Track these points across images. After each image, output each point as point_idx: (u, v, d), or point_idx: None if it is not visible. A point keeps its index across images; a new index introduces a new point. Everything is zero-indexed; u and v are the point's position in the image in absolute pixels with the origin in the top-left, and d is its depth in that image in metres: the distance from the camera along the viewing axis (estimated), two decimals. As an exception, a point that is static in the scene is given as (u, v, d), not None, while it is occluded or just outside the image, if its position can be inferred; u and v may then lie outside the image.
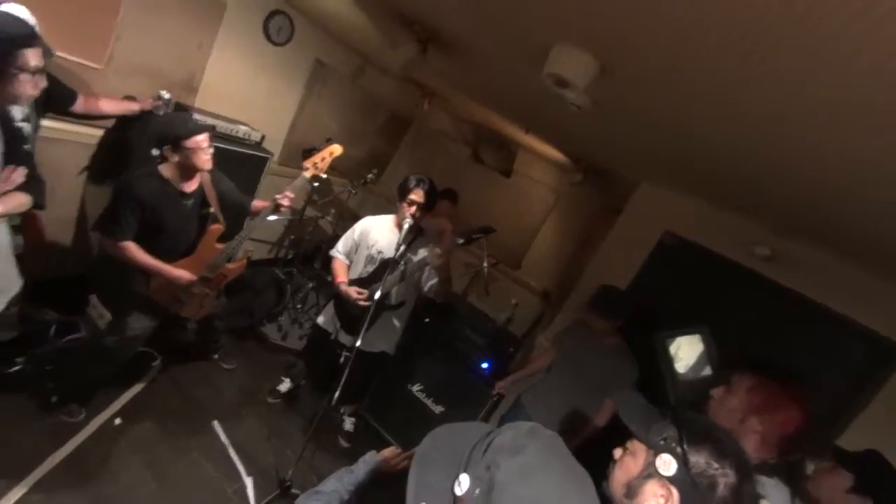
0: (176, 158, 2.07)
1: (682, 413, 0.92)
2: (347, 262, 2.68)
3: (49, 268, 2.49)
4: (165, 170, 2.11)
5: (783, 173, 1.54)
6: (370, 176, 4.03)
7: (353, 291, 2.48)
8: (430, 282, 2.51)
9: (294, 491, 2.35)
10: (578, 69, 1.43)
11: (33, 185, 1.65)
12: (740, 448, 0.88)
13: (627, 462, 0.92)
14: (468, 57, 2.18)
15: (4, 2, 1.59)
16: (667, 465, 0.85)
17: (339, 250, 2.68)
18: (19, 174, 1.58)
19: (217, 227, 2.32)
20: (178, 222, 2.20)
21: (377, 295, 2.27)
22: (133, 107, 2.50)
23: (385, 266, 2.45)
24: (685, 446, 0.85)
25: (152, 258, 2.13)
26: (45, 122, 2.11)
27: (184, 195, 2.18)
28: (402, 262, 2.43)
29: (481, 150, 4.57)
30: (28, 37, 1.38)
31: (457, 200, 3.90)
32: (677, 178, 2.50)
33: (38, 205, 1.70)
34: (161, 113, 2.58)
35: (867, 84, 0.85)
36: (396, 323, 2.68)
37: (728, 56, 0.99)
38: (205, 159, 2.12)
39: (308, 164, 2.33)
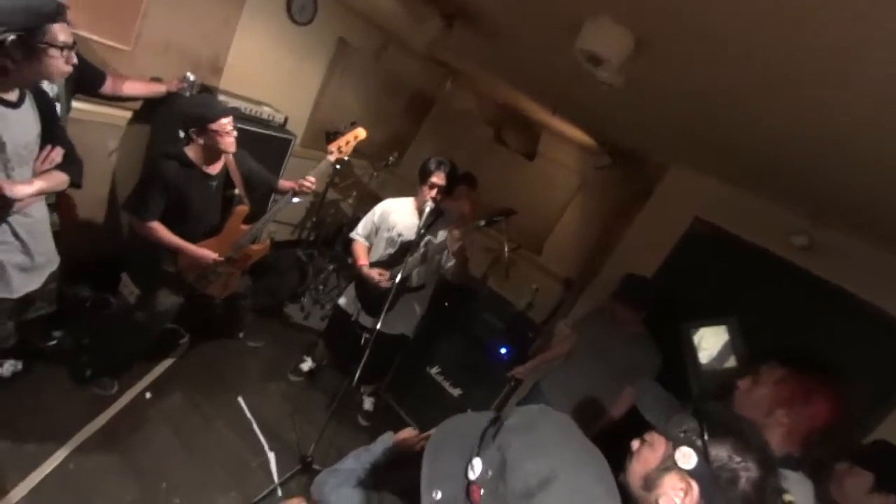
0: (201, 141, 2.10)
1: (703, 405, 0.89)
2: (367, 244, 2.68)
3: (82, 247, 2.56)
4: (191, 151, 2.13)
5: (833, 154, 1.44)
6: (391, 158, 4.01)
7: (375, 273, 2.48)
8: (448, 263, 2.50)
9: (315, 466, 2.41)
10: (613, 44, 1.35)
11: (71, 164, 1.69)
12: (764, 441, 0.85)
13: (645, 454, 0.90)
14: (496, 33, 2.10)
15: None
16: (686, 458, 0.83)
17: (359, 233, 2.68)
18: (58, 153, 1.63)
19: (242, 209, 2.35)
20: (203, 203, 2.23)
21: (398, 277, 2.27)
22: (160, 88, 2.53)
23: (406, 249, 2.45)
24: (706, 439, 0.82)
25: (178, 238, 2.17)
26: (75, 104, 2.15)
27: (208, 177, 2.20)
28: (423, 245, 2.42)
29: (504, 132, 4.47)
30: (53, 12, 1.39)
31: (475, 185, 3.84)
32: (712, 161, 2.38)
33: (75, 184, 1.75)
34: (187, 94, 2.60)
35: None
36: (416, 306, 2.69)
37: (778, 24, 0.91)
38: (229, 142, 2.14)
39: (332, 147, 2.34)
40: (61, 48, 1.43)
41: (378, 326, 2.24)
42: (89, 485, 1.95)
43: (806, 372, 1.33)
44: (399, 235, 2.53)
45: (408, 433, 1.41)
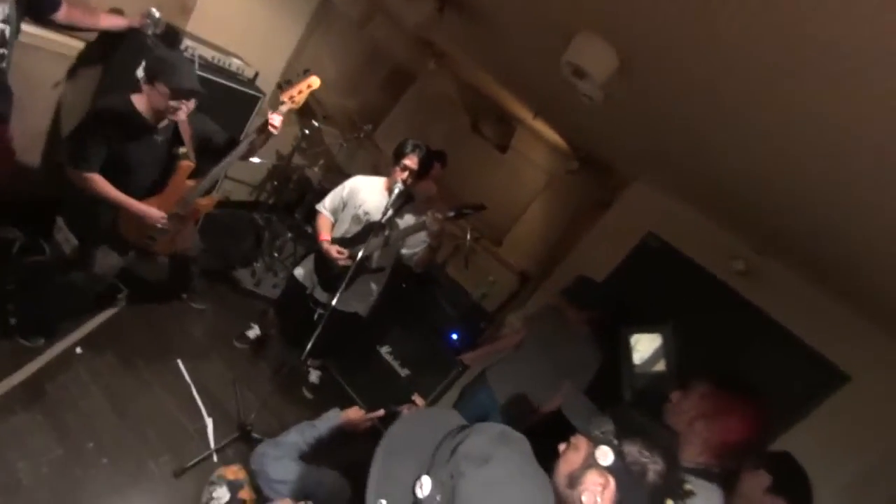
0: (155, 97, 1.92)
1: (618, 409, 1.00)
2: (332, 219, 2.63)
3: (16, 184, 2.34)
4: (139, 101, 1.96)
5: (787, 196, 1.56)
6: (366, 128, 3.90)
7: (335, 250, 2.45)
8: (412, 250, 2.50)
9: (255, 435, 2.40)
10: (598, 61, 1.39)
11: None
12: (668, 439, 0.98)
13: (570, 455, 0.99)
14: (487, 26, 2.09)
15: None
16: (605, 455, 0.92)
17: (325, 206, 2.63)
18: None
19: (188, 164, 2.18)
20: (146, 157, 2.07)
21: (358, 256, 2.25)
22: (119, 22, 2.31)
23: (370, 229, 2.43)
24: (620, 439, 0.92)
25: (119, 192, 2.01)
26: (24, 27, 1.93)
27: (153, 129, 2.04)
28: (388, 227, 2.41)
29: (481, 122, 4.48)
30: None
31: (445, 163, 3.85)
32: (675, 181, 2.52)
33: (1, 116, 1.58)
34: (150, 32, 2.40)
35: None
36: (374, 286, 2.69)
37: (756, 70, 0.98)
38: (180, 115, 2.00)
39: (285, 97, 2.17)
40: None
41: (333, 303, 2.22)
42: (7, 440, 1.83)
43: (727, 389, 1.46)
44: (366, 214, 2.50)
45: (355, 412, 1.43)
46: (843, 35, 0.70)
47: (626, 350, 2.77)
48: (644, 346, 2.77)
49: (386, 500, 0.69)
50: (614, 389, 2.58)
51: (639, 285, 2.83)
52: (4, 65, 1.80)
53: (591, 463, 0.94)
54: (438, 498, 0.67)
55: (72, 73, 2.47)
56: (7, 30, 1.70)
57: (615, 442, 0.93)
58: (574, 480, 0.95)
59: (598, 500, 0.90)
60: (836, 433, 2.21)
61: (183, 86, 1.92)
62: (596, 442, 0.95)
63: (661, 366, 2.72)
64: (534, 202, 4.48)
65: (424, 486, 0.69)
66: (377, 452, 0.74)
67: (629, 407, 1.06)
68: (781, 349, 2.41)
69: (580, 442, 0.99)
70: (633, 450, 0.91)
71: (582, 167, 3.48)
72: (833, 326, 2.30)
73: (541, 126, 3.78)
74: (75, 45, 2.38)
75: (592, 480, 0.92)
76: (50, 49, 2.29)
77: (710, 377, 1.52)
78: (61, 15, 1.98)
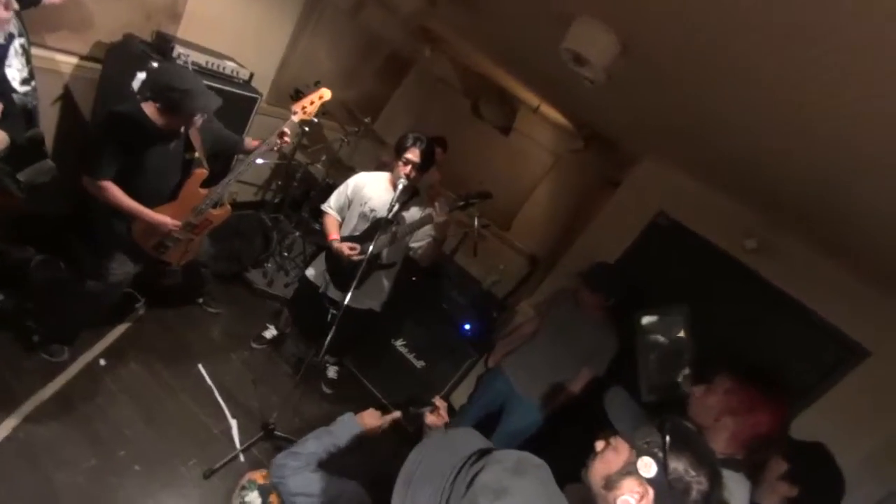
0: (163, 116, 1.94)
1: (667, 420, 0.97)
2: (339, 218, 2.63)
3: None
4: (148, 108, 1.97)
5: (793, 161, 1.52)
6: (365, 121, 3.86)
7: (346, 247, 2.45)
8: (419, 243, 2.50)
9: (278, 433, 2.45)
10: (599, 47, 1.34)
11: (9, 120, 1.55)
12: (716, 459, 0.95)
13: (609, 456, 0.98)
14: (482, 12, 2.03)
15: None
16: (647, 467, 0.90)
17: (331, 206, 2.62)
18: None
19: (201, 172, 2.21)
20: (159, 164, 2.09)
21: (368, 252, 2.25)
22: None
23: (377, 225, 2.42)
24: (667, 452, 0.90)
25: (133, 201, 2.04)
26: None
27: (166, 137, 2.06)
28: (395, 223, 2.40)
29: (482, 105, 4.39)
30: None
31: (446, 147, 3.80)
32: (683, 157, 2.46)
33: (16, 142, 1.60)
34: None
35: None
36: (385, 282, 2.70)
37: (760, 46, 0.93)
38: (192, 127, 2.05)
39: (297, 107, 2.24)
40: None
41: (346, 301, 2.23)
42: (43, 453, 1.91)
43: (752, 384, 1.45)
44: (372, 211, 2.49)
45: (370, 416, 1.44)
46: None
47: (642, 336, 2.75)
48: (659, 329, 2.76)
49: None
50: (631, 377, 2.59)
51: (652, 266, 2.79)
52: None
53: (631, 470, 0.92)
54: None
55: (70, 87, 2.47)
56: (22, 58, 1.68)
57: (660, 455, 0.90)
58: (611, 483, 0.94)
59: None
60: (856, 408, 2.18)
61: (194, 106, 1.95)
62: (640, 452, 0.93)
63: (677, 348, 2.71)
64: (540, 184, 4.42)
65: None
66: (398, 481, 0.75)
67: (677, 416, 1.03)
68: (799, 326, 2.37)
69: (621, 445, 0.97)
70: (678, 466, 0.89)
71: (587, 146, 3.40)
72: (852, 301, 2.24)
73: (545, 107, 3.70)
74: (66, 60, 2.37)
75: (630, 487, 0.91)
76: (43, 66, 2.28)
77: (734, 372, 1.51)
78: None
